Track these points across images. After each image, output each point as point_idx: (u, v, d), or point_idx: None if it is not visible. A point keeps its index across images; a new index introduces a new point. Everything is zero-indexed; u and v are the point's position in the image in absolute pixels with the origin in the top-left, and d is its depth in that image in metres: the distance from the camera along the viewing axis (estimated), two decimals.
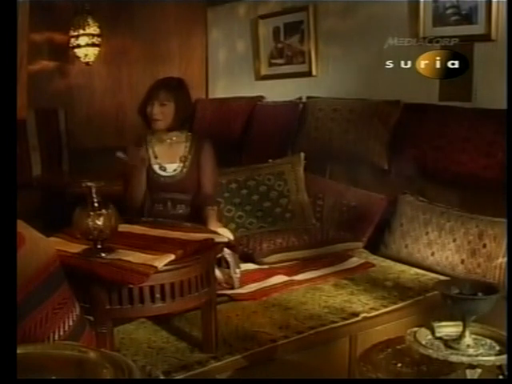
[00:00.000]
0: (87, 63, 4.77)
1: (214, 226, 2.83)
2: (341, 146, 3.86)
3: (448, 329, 1.88)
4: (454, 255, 3.05)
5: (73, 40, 4.69)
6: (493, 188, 3.02)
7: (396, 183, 3.59)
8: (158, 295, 2.09)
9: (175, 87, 3.05)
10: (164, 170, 3.02)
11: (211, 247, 2.33)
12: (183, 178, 3.02)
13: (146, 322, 2.52)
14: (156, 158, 3.04)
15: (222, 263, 2.79)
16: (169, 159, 3.04)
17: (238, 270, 2.86)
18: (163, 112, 2.99)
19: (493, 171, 3.07)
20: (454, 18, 3.38)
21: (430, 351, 1.76)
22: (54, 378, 1.21)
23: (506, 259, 2.82)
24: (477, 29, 3.27)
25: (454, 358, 1.73)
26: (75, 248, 2.17)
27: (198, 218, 2.90)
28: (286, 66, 4.54)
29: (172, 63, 5.14)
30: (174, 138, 3.05)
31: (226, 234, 2.66)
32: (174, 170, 3.03)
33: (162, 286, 2.09)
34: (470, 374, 1.72)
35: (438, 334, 1.85)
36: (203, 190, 3.01)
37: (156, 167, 3.02)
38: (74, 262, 2.07)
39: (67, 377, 1.24)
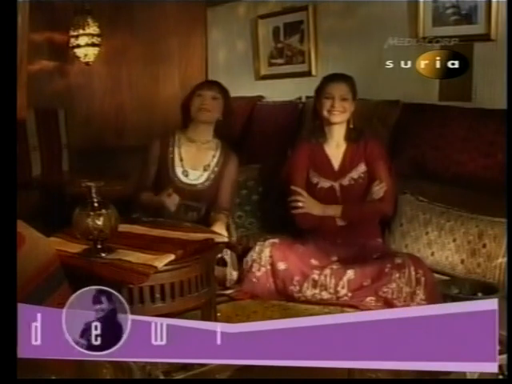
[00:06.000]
0: (87, 63, 4.77)
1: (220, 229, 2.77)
2: None
3: None
4: (454, 255, 3.05)
5: (73, 40, 4.69)
6: (493, 188, 3.01)
7: (396, 183, 3.58)
8: (158, 295, 2.09)
9: (224, 87, 3.01)
10: (186, 175, 2.93)
11: (211, 247, 2.33)
12: (204, 189, 2.93)
13: None
14: (181, 160, 2.95)
15: (221, 262, 2.79)
16: (193, 164, 2.95)
17: (234, 272, 2.86)
18: (213, 104, 2.92)
19: (493, 171, 3.07)
20: (453, 17, 3.39)
21: None
22: (53, 377, 1.21)
23: (505, 259, 2.82)
24: (477, 29, 3.28)
25: None
26: (75, 248, 2.17)
27: (207, 224, 2.83)
28: (285, 66, 4.54)
29: (172, 63, 5.14)
30: (204, 143, 2.97)
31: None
32: (197, 180, 2.93)
33: (162, 286, 2.09)
34: (470, 374, 1.72)
35: None
36: (221, 204, 2.93)
37: (178, 171, 2.94)
38: (74, 262, 2.07)
39: (67, 377, 1.24)
